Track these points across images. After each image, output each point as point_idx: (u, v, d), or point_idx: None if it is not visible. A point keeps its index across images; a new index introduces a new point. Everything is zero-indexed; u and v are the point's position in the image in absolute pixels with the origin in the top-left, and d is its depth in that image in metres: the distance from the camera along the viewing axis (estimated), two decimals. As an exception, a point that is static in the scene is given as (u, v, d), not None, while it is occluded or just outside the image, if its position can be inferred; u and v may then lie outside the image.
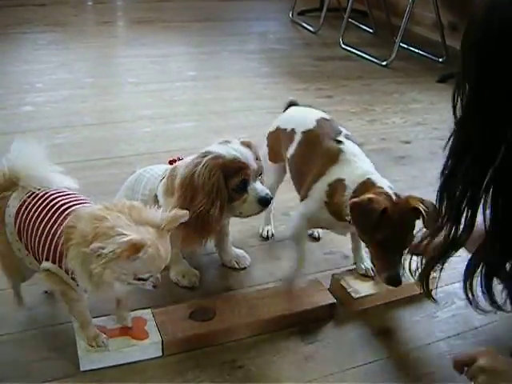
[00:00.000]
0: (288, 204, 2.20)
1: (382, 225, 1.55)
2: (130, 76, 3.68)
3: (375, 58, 4.23)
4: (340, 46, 4.50)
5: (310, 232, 2.12)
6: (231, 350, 1.63)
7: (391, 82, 3.88)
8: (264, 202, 1.66)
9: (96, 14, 5.24)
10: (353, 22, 4.96)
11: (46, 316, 1.70)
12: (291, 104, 2.06)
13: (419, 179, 2.66)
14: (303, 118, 1.91)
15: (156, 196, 1.78)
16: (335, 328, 1.75)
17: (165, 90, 3.45)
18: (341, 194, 1.67)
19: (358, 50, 4.39)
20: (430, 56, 4.39)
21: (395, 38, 4.23)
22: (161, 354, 1.58)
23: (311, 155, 1.78)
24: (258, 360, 1.60)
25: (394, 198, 1.61)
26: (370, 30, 4.97)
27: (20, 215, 1.49)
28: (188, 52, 4.25)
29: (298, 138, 1.85)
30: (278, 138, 1.95)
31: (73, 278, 1.42)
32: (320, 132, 1.81)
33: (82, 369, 1.51)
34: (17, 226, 1.50)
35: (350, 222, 1.64)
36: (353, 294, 1.81)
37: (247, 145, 1.69)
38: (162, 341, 1.57)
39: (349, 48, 4.45)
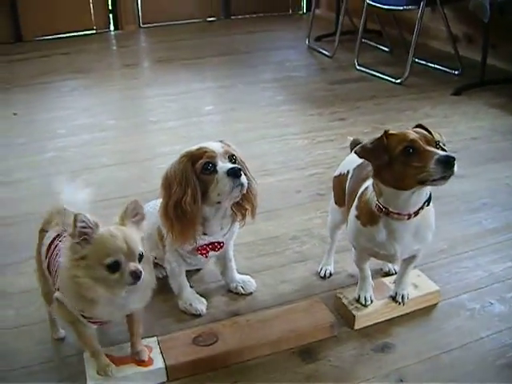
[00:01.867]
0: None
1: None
2: (149, 115, 3.81)
3: (389, 77, 4.27)
4: (355, 67, 4.56)
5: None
6: (233, 372, 1.69)
7: (404, 100, 3.91)
8: (232, 173, 1.69)
9: (119, 58, 5.43)
10: (368, 42, 5.02)
11: (57, 349, 1.81)
12: (355, 143, 1.91)
13: (428, 194, 2.67)
14: (353, 157, 1.84)
15: (159, 227, 1.87)
16: (336, 346, 1.79)
17: (181, 126, 3.57)
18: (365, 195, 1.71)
19: (373, 70, 4.44)
20: (445, 69, 4.40)
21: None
22: (165, 379, 1.65)
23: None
24: (259, 381, 1.65)
25: None
26: (386, 49, 5.01)
27: (50, 251, 1.62)
28: (205, 87, 4.36)
29: (350, 175, 1.90)
30: (340, 183, 1.96)
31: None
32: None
33: (91, 397, 1.60)
34: (47, 260, 1.63)
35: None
36: (354, 312, 1.84)
37: (225, 150, 1.77)
38: (166, 366, 1.64)
39: (363, 69, 4.50)
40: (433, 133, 1.60)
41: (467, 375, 1.67)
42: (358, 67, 4.55)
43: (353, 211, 1.75)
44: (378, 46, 5.08)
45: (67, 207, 1.61)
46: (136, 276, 1.40)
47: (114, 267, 1.39)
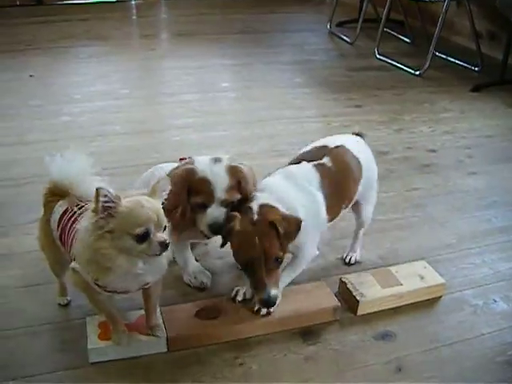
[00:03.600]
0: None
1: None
2: (164, 87, 3.81)
3: (409, 68, 4.24)
4: (375, 56, 4.53)
5: None
6: (234, 348, 1.69)
7: (423, 92, 3.88)
8: (212, 230, 1.69)
9: (138, 28, 5.41)
10: (390, 31, 4.98)
11: (61, 312, 1.82)
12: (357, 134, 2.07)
13: (440, 187, 2.67)
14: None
15: None
16: (338, 330, 1.79)
17: (196, 100, 3.56)
18: None
19: (393, 60, 4.41)
20: (465, 65, 4.36)
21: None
22: (166, 349, 1.66)
23: None
24: (258, 358, 1.66)
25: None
26: (407, 40, 4.97)
27: (62, 221, 1.60)
28: (223, 64, 4.34)
29: None
30: None
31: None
32: None
33: (90, 361, 1.61)
34: (59, 230, 1.61)
35: None
36: (358, 298, 1.84)
37: (234, 170, 1.70)
38: (167, 337, 1.65)
39: (384, 58, 4.47)
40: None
41: (466, 370, 1.67)
42: (378, 56, 4.52)
43: None
44: (400, 36, 5.04)
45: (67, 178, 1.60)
46: (164, 246, 1.40)
47: (144, 237, 1.38)
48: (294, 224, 1.65)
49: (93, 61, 4.23)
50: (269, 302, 1.64)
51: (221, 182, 1.67)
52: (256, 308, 1.74)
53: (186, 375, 1.59)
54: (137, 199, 1.41)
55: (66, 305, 1.83)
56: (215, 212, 1.67)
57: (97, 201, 1.36)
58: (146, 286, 1.56)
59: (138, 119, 3.28)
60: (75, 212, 1.58)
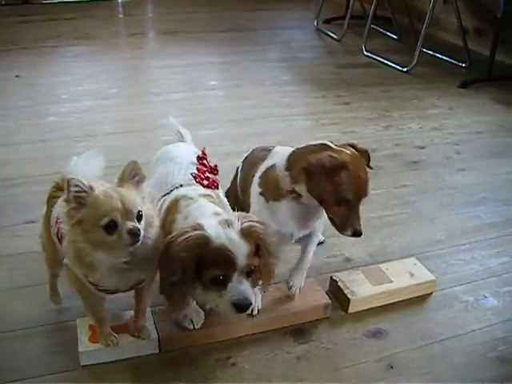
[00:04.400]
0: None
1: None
2: (152, 86, 3.79)
3: (397, 65, 4.25)
4: (363, 53, 4.53)
5: None
6: (226, 348, 1.69)
7: (411, 88, 3.89)
8: (239, 308, 1.40)
9: (125, 27, 5.38)
10: (377, 28, 4.99)
11: (52, 314, 1.80)
12: None
13: (429, 184, 2.68)
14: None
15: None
16: (329, 328, 1.79)
17: (184, 99, 3.54)
18: None
19: (381, 57, 4.41)
20: (453, 61, 4.38)
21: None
22: (157, 350, 1.65)
23: None
24: (250, 358, 1.66)
25: None
26: (395, 37, 4.98)
27: (59, 218, 1.57)
28: (211, 62, 4.33)
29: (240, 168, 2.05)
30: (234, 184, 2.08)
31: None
32: None
33: (81, 363, 1.60)
34: (56, 228, 1.59)
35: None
36: (349, 296, 1.85)
37: (248, 233, 1.43)
38: (159, 338, 1.64)
39: (371, 55, 4.48)
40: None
41: (458, 366, 1.68)
42: (365, 53, 4.53)
43: (255, 190, 1.77)
44: (387, 33, 5.05)
45: (74, 174, 1.58)
46: (134, 234, 1.35)
47: (111, 227, 1.34)
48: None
49: (80, 60, 4.20)
50: (360, 232, 1.65)
51: (241, 249, 1.40)
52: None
53: (178, 376, 1.59)
54: (103, 190, 1.38)
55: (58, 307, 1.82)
56: (241, 286, 1.41)
57: (68, 190, 1.35)
58: (138, 286, 1.55)
59: (126, 118, 3.26)
60: None
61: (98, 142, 2.95)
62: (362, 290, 1.88)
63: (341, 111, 3.46)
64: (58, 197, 1.60)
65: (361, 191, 1.63)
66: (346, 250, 2.16)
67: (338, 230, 1.68)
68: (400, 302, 1.91)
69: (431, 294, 1.96)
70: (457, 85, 3.95)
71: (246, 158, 2.00)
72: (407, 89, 3.88)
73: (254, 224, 1.45)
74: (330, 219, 1.68)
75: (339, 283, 1.89)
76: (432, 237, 2.27)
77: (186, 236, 1.39)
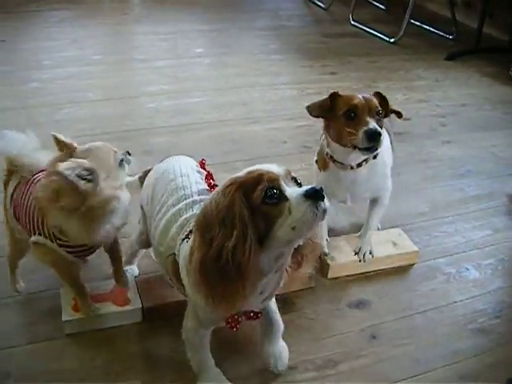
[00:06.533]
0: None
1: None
2: (137, 53, 3.74)
3: (384, 35, 4.22)
4: (350, 22, 4.49)
5: None
6: (209, 317, 1.69)
7: (398, 59, 3.87)
8: (313, 195, 1.15)
9: (110, -9, 5.28)
10: (365, -2, 4.95)
11: (34, 284, 1.78)
12: None
13: (414, 155, 2.68)
14: None
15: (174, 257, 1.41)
16: (313, 299, 1.80)
17: (170, 66, 3.50)
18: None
19: (368, 27, 4.38)
20: (440, 33, 4.36)
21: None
22: (140, 319, 1.66)
23: None
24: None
25: None
26: (383, 7, 4.94)
27: (14, 198, 1.58)
28: (197, 29, 4.27)
29: None
30: None
31: (59, 245, 1.48)
32: None
33: (66, 332, 1.60)
34: (12, 207, 1.59)
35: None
36: (328, 262, 1.87)
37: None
38: (143, 307, 1.64)
39: (358, 25, 4.44)
40: (389, 102, 1.73)
41: (439, 337, 1.70)
42: (352, 22, 4.49)
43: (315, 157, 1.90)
44: (375, 3, 5.01)
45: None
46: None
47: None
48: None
49: (64, 25, 4.12)
50: (375, 132, 1.58)
51: (271, 165, 1.22)
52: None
53: (162, 345, 1.60)
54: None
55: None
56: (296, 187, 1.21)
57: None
58: (110, 236, 1.54)
59: (110, 86, 3.21)
60: (24, 184, 1.56)
61: (80, 108, 2.92)
62: (342, 256, 1.90)
63: (327, 81, 3.44)
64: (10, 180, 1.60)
65: (358, 103, 1.62)
66: (330, 220, 2.15)
67: (356, 145, 1.62)
68: (383, 272, 1.93)
69: (414, 265, 1.98)
70: (444, 57, 3.94)
71: None
72: (394, 60, 3.86)
73: None
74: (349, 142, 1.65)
75: (321, 251, 1.90)
76: (416, 209, 2.28)
77: (216, 192, 1.21)
